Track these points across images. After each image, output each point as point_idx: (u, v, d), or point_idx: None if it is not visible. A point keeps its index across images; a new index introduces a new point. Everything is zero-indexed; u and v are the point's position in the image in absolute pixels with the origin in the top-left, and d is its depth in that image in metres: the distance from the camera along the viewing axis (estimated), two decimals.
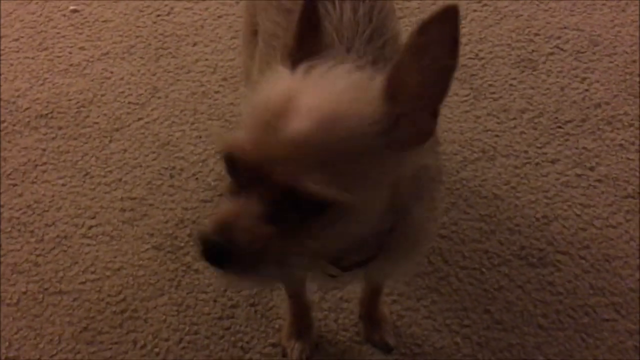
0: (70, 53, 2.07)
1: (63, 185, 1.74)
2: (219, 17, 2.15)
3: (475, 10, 2.10)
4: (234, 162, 0.80)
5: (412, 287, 1.55)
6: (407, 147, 0.80)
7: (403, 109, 0.78)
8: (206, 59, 2.04)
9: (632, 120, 1.85)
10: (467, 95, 1.90)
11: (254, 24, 1.38)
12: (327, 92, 0.76)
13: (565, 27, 2.07)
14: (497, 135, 1.82)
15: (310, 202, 0.75)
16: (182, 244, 1.62)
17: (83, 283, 1.56)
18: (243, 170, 0.79)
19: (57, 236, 1.64)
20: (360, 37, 1.09)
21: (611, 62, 1.99)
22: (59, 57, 2.06)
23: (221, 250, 0.78)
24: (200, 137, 1.84)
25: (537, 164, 1.76)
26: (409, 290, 1.54)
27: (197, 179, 1.75)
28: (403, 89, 0.78)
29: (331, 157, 0.75)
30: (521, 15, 2.10)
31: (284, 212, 0.77)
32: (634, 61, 1.99)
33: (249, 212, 0.78)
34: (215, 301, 1.53)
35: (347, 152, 0.75)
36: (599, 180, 1.73)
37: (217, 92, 1.96)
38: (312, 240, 0.80)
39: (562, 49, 2.02)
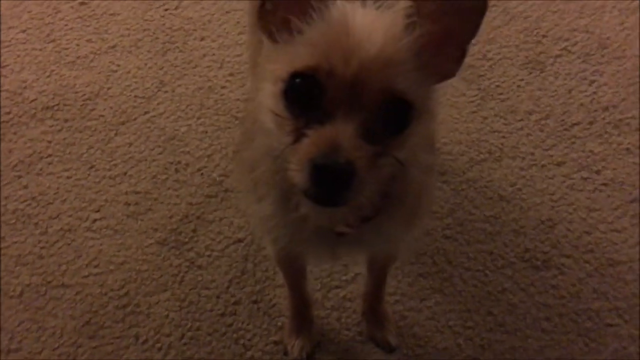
0: (77, 45, 2.06)
1: (68, 177, 1.74)
2: (227, 12, 2.14)
3: None
4: (317, 84, 0.81)
5: (416, 288, 1.54)
6: (433, 80, 0.87)
7: (426, 38, 0.83)
8: (213, 54, 2.03)
9: (639, 124, 1.84)
10: (474, 96, 1.89)
11: None
12: (381, 18, 0.84)
13: (574, 29, 2.06)
14: (503, 137, 1.81)
15: (399, 110, 0.82)
16: (186, 240, 1.62)
17: (86, 277, 1.56)
18: (333, 89, 0.80)
19: (61, 229, 1.64)
20: None
21: (620, 65, 1.98)
22: (66, 49, 2.06)
23: (339, 173, 0.77)
24: (206, 132, 1.84)
25: (543, 166, 1.76)
26: (412, 290, 1.54)
27: (202, 174, 1.75)
28: (423, 18, 0.83)
29: (404, 66, 0.82)
30: (530, 16, 2.09)
31: (373, 131, 0.80)
32: None
33: (349, 133, 0.79)
34: (218, 297, 1.52)
35: (410, 65, 0.82)
36: (605, 184, 1.72)
37: (223, 87, 1.95)
38: (397, 154, 0.84)
39: (570, 51, 2.01)
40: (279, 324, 1.49)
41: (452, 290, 1.54)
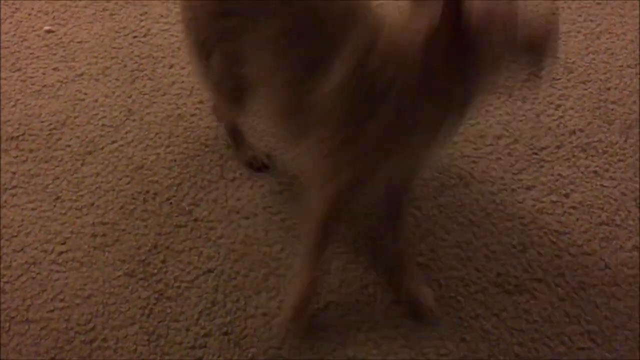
0: (43, 74, 2.04)
1: (33, 209, 1.71)
2: None
3: None
4: None
5: (389, 315, 1.53)
6: None
7: None
8: (182, 82, 2.02)
9: (606, 147, 1.86)
10: None
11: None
12: None
13: None
14: (473, 161, 1.82)
15: None
16: (155, 271, 1.59)
17: (51, 311, 1.52)
18: None
19: (26, 262, 1.60)
20: None
21: (585, 89, 2.01)
22: (32, 77, 2.03)
23: None
24: (175, 160, 1.82)
25: (512, 190, 1.77)
26: (385, 318, 1.53)
27: (171, 203, 1.73)
28: None
29: None
30: None
31: None
32: (608, 88, 2.01)
33: None
34: (187, 330, 1.49)
35: None
36: (574, 207, 1.73)
37: (193, 114, 1.94)
38: None
39: (537, 76, 2.03)
40: (250, 355, 1.46)
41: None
